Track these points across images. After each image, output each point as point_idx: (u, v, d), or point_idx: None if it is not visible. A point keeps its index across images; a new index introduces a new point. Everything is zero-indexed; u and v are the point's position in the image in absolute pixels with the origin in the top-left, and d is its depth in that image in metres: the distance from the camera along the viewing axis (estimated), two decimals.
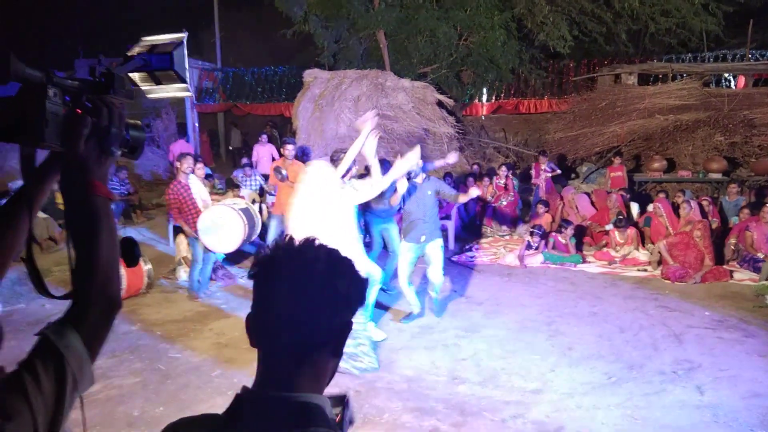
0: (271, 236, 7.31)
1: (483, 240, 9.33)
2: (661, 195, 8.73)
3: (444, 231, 8.90)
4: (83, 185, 1.01)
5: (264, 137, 11.63)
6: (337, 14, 12.62)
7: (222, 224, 6.31)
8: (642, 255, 7.91)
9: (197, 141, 15.67)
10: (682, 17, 11.92)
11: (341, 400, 1.00)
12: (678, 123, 10.91)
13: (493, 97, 14.80)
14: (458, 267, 7.94)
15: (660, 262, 7.51)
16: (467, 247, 8.86)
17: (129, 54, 1.24)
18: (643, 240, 8.29)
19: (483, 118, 14.99)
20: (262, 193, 9.46)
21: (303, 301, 0.92)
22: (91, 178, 1.02)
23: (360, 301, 0.99)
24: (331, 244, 0.98)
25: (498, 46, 12.02)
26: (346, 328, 0.98)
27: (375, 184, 4.84)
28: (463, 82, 13.66)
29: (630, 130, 11.31)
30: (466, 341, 5.36)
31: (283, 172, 7.00)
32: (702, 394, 4.30)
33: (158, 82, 1.27)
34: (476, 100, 14.76)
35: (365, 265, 5.02)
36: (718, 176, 10.14)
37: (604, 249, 8.28)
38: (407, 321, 5.83)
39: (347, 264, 0.97)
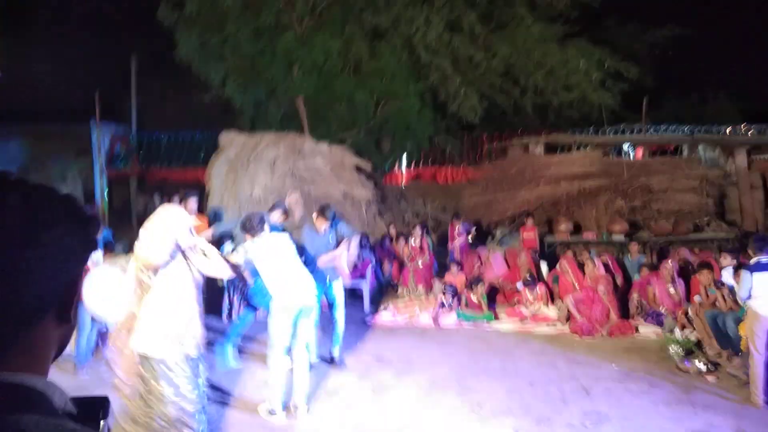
0: None
1: (399, 300, 9.17)
2: (568, 253, 8.99)
3: (359, 291, 8.75)
4: None
5: (175, 198, 11.16)
6: (256, 79, 12.67)
7: (109, 288, 5.78)
8: (551, 311, 8.00)
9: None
10: (582, 92, 12.81)
11: (102, 404, 0.81)
12: (582, 189, 11.53)
13: (412, 165, 15.16)
14: (372, 329, 7.71)
15: (568, 318, 7.61)
16: (382, 308, 8.67)
17: None
18: (552, 297, 8.42)
19: (403, 187, 15.27)
20: None
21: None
22: None
23: (89, 247, 0.79)
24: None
25: (414, 113, 12.41)
26: (72, 285, 0.77)
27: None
28: (381, 149, 13.91)
29: (538, 195, 11.85)
30: (374, 402, 5.09)
31: None
32: None
33: None
34: (396, 169, 15.05)
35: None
36: (620, 237, 10.62)
37: (516, 306, 8.33)
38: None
39: (57, 205, 0.76)
